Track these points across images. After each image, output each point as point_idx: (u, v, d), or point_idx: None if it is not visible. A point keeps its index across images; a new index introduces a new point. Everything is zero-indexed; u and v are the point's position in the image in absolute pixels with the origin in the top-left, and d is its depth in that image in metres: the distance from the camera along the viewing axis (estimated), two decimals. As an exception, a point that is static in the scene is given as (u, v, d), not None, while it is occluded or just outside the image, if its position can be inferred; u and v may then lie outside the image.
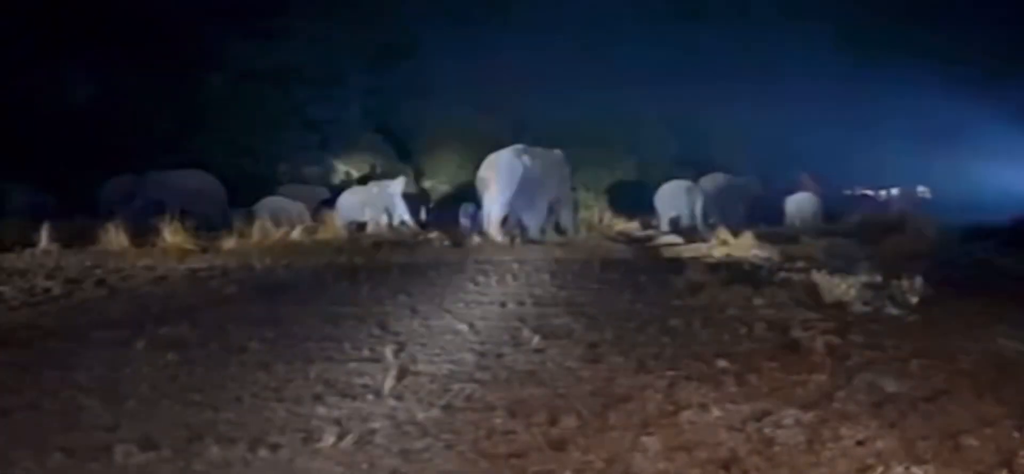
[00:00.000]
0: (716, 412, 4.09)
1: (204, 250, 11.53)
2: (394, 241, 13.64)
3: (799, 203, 19.03)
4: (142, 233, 12.36)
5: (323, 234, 14.50)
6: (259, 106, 22.99)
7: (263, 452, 3.49)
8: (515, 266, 10.05)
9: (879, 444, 3.65)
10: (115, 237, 12.00)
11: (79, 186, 17.32)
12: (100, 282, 8.77)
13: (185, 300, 7.68)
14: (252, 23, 22.76)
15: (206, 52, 22.61)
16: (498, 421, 3.95)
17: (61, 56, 21.05)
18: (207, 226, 13.79)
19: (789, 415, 4.03)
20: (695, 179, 19.31)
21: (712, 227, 15.68)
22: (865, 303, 7.12)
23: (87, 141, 19.83)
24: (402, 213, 16.62)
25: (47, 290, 8.23)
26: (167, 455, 3.44)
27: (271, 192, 18.60)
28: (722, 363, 5.05)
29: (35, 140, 19.25)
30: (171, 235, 12.05)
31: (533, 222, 14.34)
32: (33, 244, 11.89)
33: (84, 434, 3.75)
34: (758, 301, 7.30)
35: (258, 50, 22.96)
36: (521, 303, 7.42)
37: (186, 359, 5.17)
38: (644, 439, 3.67)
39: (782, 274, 9.07)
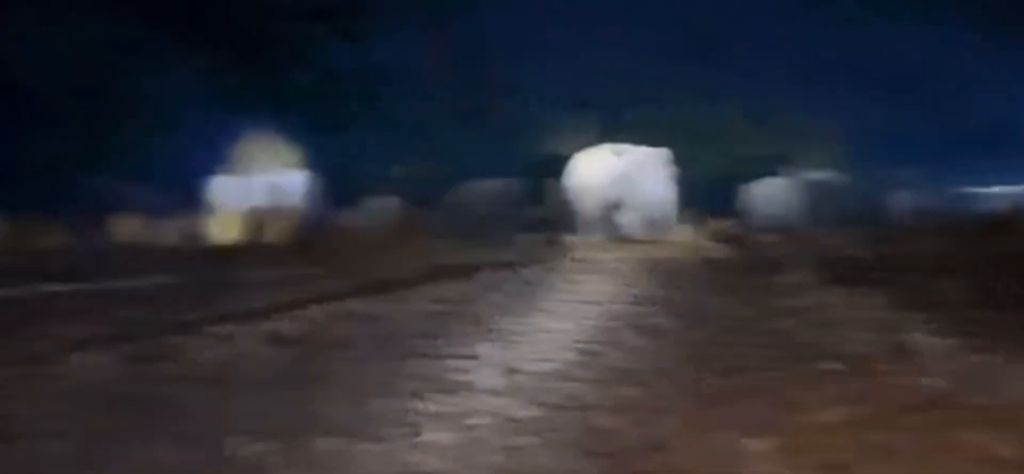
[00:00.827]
0: (822, 415, 3.99)
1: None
2: (490, 241, 13.74)
3: (899, 201, 18.40)
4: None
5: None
6: (344, 105, 23.39)
7: (368, 445, 3.56)
8: (613, 265, 10.03)
9: (993, 450, 3.50)
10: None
11: (191, 186, 17.95)
12: (209, 277, 9.10)
13: (289, 295, 7.92)
14: (343, 22, 23.15)
15: (296, 53, 23.12)
16: (599, 420, 3.94)
17: (172, 60, 21.86)
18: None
19: (901, 419, 3.90)
20: (793, 176, 18.87)
21: (812, 225, 15.31)
22: (975, 304, 6.86)
23: (195, 143, 20.55)
24: None
25: (161, 284, 8.58)
26: (275, 447, 3.54)
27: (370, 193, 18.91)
28: (827, 365, 4.93)
29: (144, 139, 20.04)
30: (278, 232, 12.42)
31: (631, 221, 14.25)
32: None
33: (196, 424, 3.90)
34: (862, 301, 7.10)
35: (344, 51, 23.37)
36: (619, 302, 7.40)
37: (293, 353, 5.32)
38: (748, 442, 3.61)
39: (888, 274, 8.79)
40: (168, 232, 13.09)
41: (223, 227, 13.04)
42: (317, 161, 20.79)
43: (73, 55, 19.48)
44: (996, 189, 25.30)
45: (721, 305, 7.21)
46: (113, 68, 20.39)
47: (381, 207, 17.06)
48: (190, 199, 17.28)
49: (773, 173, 19.10)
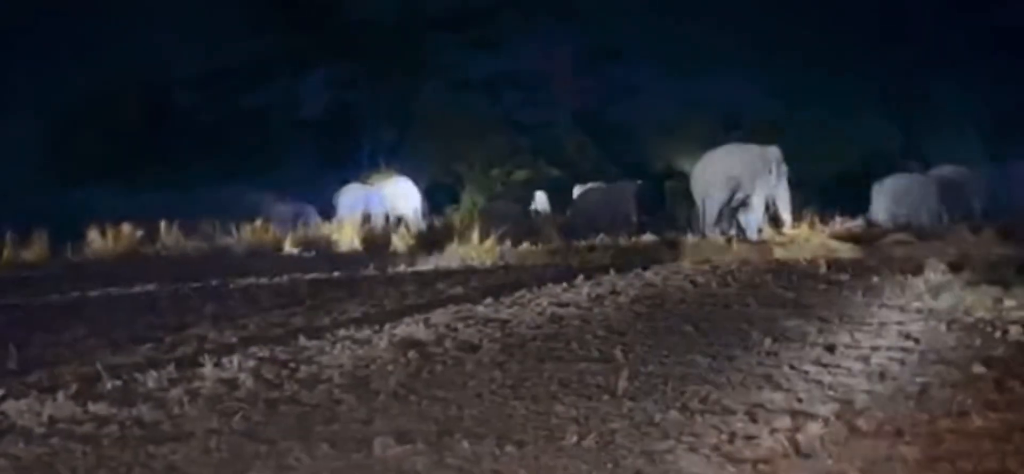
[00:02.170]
0: (977, 421, 3.82)
1: (429, 253, 12.05)
2: (608, 244, 13.66)
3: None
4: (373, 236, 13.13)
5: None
6: (472, 112, 23.84)
7: (510, 448, 3.60)
8: (734, 267, 9.84)
9: None
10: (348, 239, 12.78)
11: (314, 195, 18.55)
12: (339, 283, 9.38)
13: (416, 300, 8.08)
14: (465, 31, 23.61)
15: (423, 61, 23.69)
16: (739, 425, 3.87)
17: (299, 70, 22.72)
18: None
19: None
20: (925, 172, 18.09)
21: (949, 223, 14.66)
22: None
23: (322, 150, 21.30)
24: None
25: (293, 292, 8.89)
26: (421, 448, 3.62)
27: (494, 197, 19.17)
28: (977, 369, 4.71)
29: (275, 149, 20.86)
30: (400, 239, 12.70)
31: (750, 220, 13.98)
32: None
33: (343, 427, 4.02)
34: (1009, 303, 6.76)
35: (472, 59, 23.83)
36: (745, 304, 7.26)
37: (425, 357, 5.43)
38: (900, 448, 3.48)
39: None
40: (296, 237, 13.51)
41: (348, 233, 13.41)
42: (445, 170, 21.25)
43: (215, 76, 20.47)
44: None
45: (856, 307, 6.98)
46: (250, 84, 21.32)
47: (506, 211, 17.19)
48: (321, 208, 17.84)
49: (902, 169, 18.34)
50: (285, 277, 9.88)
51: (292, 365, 5.31)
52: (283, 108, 22.37)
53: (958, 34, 25.24)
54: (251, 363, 5.35)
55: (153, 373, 5.03)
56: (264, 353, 5.70)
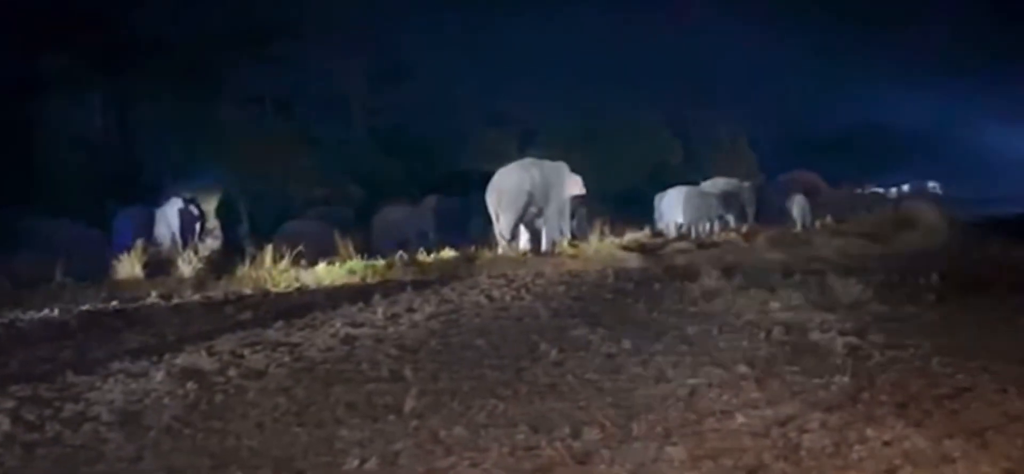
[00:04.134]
0: (740, 419, 4.07)
1: (218, 278, 11.53)
2: (409, 260, 13.60)
3: (800, 203, 18.87)
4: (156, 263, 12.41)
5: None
6: (266, 130, 23.21)
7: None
8: (529, 279, 10.04)
9: (906, 444, 3.63)
10: (129, 268, 12.02)
11: (94, 216, 17.34)
12: (117, 313, 8.80)
13: (201, 327, 7.70)
14: (259, 49, 22.94)
15: (216, 78, 22.81)
16: (521, 437, 3.94)
17: (78, 84, 21.27)
18: None
19: (814, 419, 4.01)
20: (702, 184, 19.31)
21: (722, 231, 15.66)
22: (882, 302, 7.10)
23: (103, 170, 19.99)
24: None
25: (64, 323, 8.25)
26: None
27: (290, 216, 18.57)
28: (742, 369, 5.03)
29: (51, 169, 19.39)
30: (187, 263, 12.08)
31: (545, 234, 14.34)
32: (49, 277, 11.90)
33: (108, 467, 3.76)
34: (774, 305, 7.29)
35: (264, 75, 23.18)
36: (537, 316, 7.42)
37: (205, 387, 5.17)
38: (669, 449, 3.66)
39: (797, 277, 9.04)
40: (71, 264, 12.52)
41: (129, 258, 12.56)
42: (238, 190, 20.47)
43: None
44: (894, 189, 26.39)
45: (639, 314, 7.30)
46: (20, 103, 19.73)
47: (303, 230, 16.66)
48: (100, 233, 16.67)
49: (684, 181, 19.49)
50: (56, 308, 9.15)
51: (56, 404, 4.91)
52: (58, 128, 20.81)
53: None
54: (10, 404, 4.90)
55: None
56: (26, 392, 5.24)
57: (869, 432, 3.79)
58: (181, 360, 6.01)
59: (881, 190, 26.38)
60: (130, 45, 21.25)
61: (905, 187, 26.89)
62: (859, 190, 24.92)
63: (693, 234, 16.94)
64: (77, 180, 19.53)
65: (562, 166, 14.88)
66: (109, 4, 21.27)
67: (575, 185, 14.76)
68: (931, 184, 27.54)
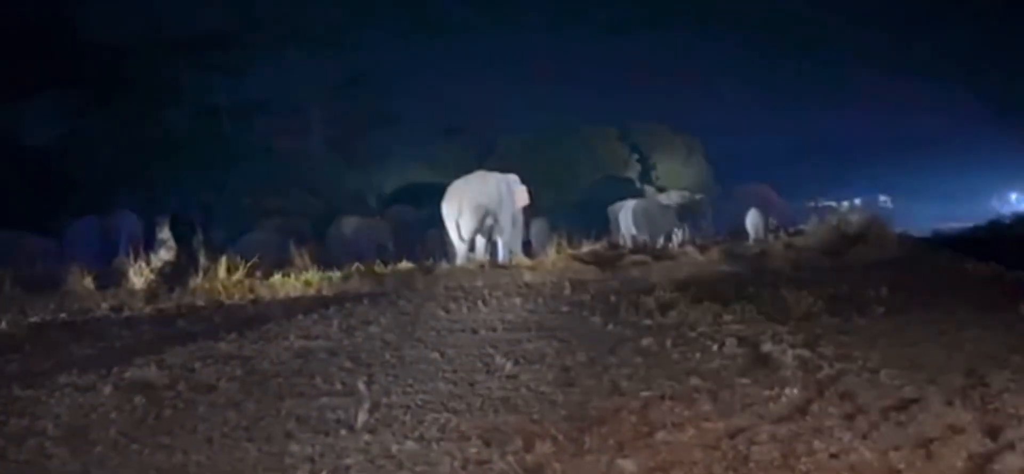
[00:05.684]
0: (691, 431, 4.10)
1: (171, 290, 11.35)
2: (366, 270, 13.51)
3: (754, 216, 19.15)
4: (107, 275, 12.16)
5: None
6: (222, 140, 22.97)
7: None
8: (485, 292, 10.02)
9: (853, 456, 3.68)
10: (80, 280, 11.77)
11: (45, 227, 17.03)
12: (66, 325, 8.62)
13: (152, 339, 7.57)
14: (212, 58, 22.72)
15: (170, 88, 22.55)
16: (473, 450, 3.93)
17: (21, 96, 20.85)
18: None
19: (763, 431, 4.05)
20: (657, 196, 19.51)
21: (677, 243, 15.79)
22: (833, 314, 7.20)
23: (54, 181, 19.64)
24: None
25: (11, 336, 8.06)
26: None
27: (246, 227, 18.39)
28: (695, 381, 5.07)
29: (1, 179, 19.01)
30: (139, 274, 11.86)
31: (501, 246, 14.35)
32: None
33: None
34: (727, 317, 7.34)
35: (219, 85, 22.97)
36: (492, 329, 7.41)
37: (154, 401, 5.09)
38: (620, 461, 3.67)
39: (751, 289, 9.12)
40: (19, 276, 12.24)
41: (78, 270, 12.30)
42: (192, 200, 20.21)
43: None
44: (846, 203, 26.83)
45: (594, 326, 7.32)
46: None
47: (258, 242, 16.49)
48: (50, 244, 16.37)
49: (638, 194, 19.66)
50: (3, 321, 8.93)
51: (1, 418, 4.81)
52: (6, 137, 20.41)
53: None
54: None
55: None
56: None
57: (817, 444, 3.84)
58: (130, 373, 5.90)
59: (834, 204, 26.80)
60: (83, 54, 20.92)
61: (857, 201, 27.36)
62: (812, 203, 25.31)
63: (649, 246, 17.04)
64: (27, 191, 19.16)
65: (514, 178, 14.91)
66: (63, 13, 20.92)
67: (523, 196, 14.80)
68: (882, 199, 28.08)
